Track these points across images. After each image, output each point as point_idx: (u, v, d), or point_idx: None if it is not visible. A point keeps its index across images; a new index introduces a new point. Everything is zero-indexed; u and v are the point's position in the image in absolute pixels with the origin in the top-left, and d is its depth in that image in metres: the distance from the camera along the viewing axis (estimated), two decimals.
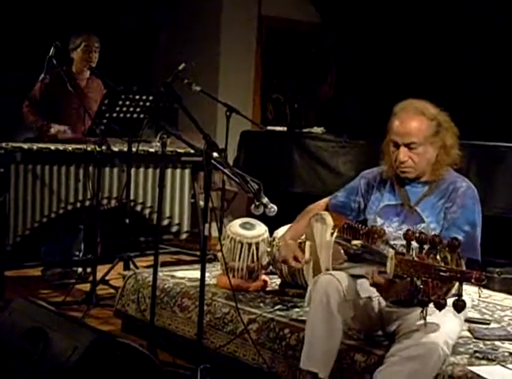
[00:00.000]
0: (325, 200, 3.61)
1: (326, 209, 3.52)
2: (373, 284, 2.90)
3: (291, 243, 3.53)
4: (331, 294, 3.06)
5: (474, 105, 6.69)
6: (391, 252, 2.65)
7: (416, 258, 2.55)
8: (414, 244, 2.60)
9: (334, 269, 3.20)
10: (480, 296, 3.77)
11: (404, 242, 2.67)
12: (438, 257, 2.52)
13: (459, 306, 2.48)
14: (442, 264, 2.48)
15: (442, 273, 2.47)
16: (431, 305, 2.56)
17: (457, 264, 2.48)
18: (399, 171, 3.25)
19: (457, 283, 2.50)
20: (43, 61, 4.98)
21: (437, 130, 3.20)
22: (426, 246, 2.55)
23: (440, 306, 2.50)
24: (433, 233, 3.12)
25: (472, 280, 2.43)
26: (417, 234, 2.59)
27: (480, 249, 3.17)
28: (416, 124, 3.18)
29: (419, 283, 2.58)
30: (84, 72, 5.64)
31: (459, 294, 2.47)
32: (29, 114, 5.55)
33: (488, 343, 3.35)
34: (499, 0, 6.68)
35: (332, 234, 3.26)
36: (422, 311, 2.64)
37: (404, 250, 2.65)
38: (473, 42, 6.89)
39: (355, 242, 3.08)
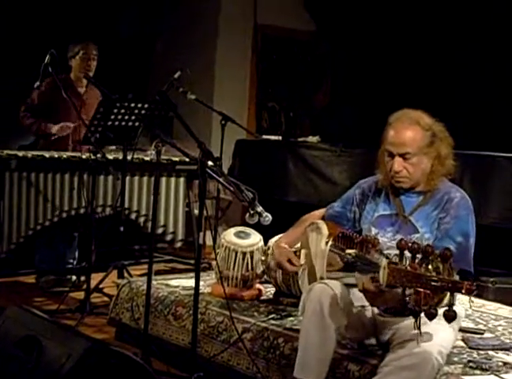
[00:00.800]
0: (321, 210, 3.62)
1: (322, 219, 3.53)
2: (362, 290, 2.91)
3: (285, 247, 3.53)
4: (324, 303, 3.06)
5: (469, 114, 6.71)
6: (384, 261, 2.66)
7: (408, 268, 2.55)
8: (407, 253, 2.60)
9: (329, 278, 3.20)
10: (471, 307, 3.78)
11: (398, 252, 2.68)
12: (430, 266, 2.52)
13: (449, 317, 2.48)
14: (434, 274, 2.49)
15: (433, 283, 2.47)
16: (423, 314, 2.56)
17: (449, 274, 2.49)
18: (394, 181, 3.26)
19: (448, 294, 2.50)
20: (39, 68, 4.98)
21: (432, 140, 3.21)
22: (418, 256, 2.55)
23: (431, 316, 2.51)
24: (426, 243, 3.13)
25: (463, 291, 2.44)
26: (410, 244, 2.59)
27: (472, 260, 3.17)
28: (411, 134, 3.18)
29: (408, 292, 2.59)
30: (83, 79, 5.65)
31: (450, 305, 2.47)
32: (26, 120, 5.56)
33: (482, 352, 3.35)
34: (496, 8, 6.70)
35: (327, 243, 3.26)
36: (415, 321, 2.64)
37: (398, 260, 2.65)
38: (470, 52, 6.91)
39: (349, 251, 3.09)
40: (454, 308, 2.64)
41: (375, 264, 2.86)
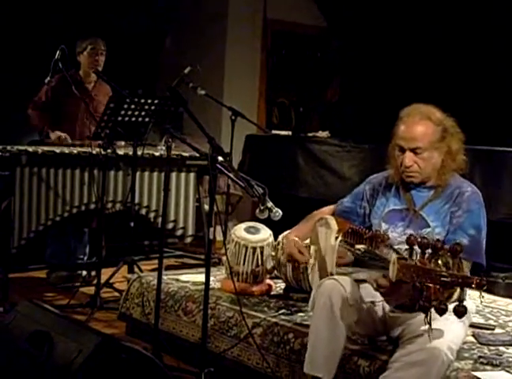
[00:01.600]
0: (331, 207, 3.62)
1: (332, 215, 3.52)
2: (377, 288, 2.90)
3: (295, 239, 3.53)
4: (334, 299, 3.06)
5: (479, 109, 6.69)
6: (393, 256, 2.65)
7: (417, 263, 2.55)
8: (416, 249, 2.60)
9: (338, 274, 3.20)
10: (481, 302, 3.77)
11: (407, 247, 2.68)
12: (439, 262, 2.51)
13: (460, 312, 2.47)
14: (444, 270, 2.48)
15: (443, 278, 2.46)
16: (433, 310, 2.56)
17: (458, 268, 2.48)
18: (404, 176, 3.26)
19: (458, 289, 2.50)
20: (49, 65, 5.00)
21: (443, 135, 3.20)
22: (428, 251, 2.55)
23: (441, 312, 2.50)
24: (438, 238, 3.13)
25: (473, 286, 2.43)
26: (419, 239, 2.58)
27: (484, 254, 3.17)
28: (422, 129, 3.18)
29: (419, 287, 2.58)
30: (91, 75, 5.67)
31: (460, 300, 2.46)
32: (33, 117, 5.59)
33: (493, 348, 3.35)
34: (503, 6, 6.68)
35: (336, 238, 3.26)
36: (426, 316, 2.63)
37: (408, 255, 2.65)
38: (479, 48, 6.88)
39: (358, 246, 3.08)
40: (465, 303, 2.64)
41: (385, 259, 2.85)
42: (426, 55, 7.23)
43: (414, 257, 2.61)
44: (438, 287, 2.48)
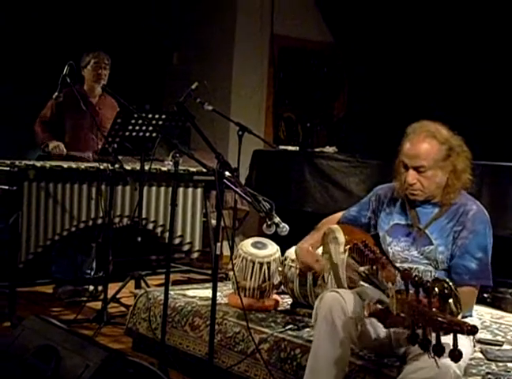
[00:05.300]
0: (340, 213, 3.62)
1: (338, 222, 3.52)
2: (370, 315, 2.88)
3: (310, 250, 3.52)
4: (334, 311, 3.05)
5: (487, 125, 6.69)
6: (392, 290, 2.63)
7: (413, 302, 2.52)
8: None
9: (350, 286, 3.20)
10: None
11: (410, 265, 2.66)
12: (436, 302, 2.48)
13: (455, 357, 2.41)
14: (437, 312, 2.44)
15: (435, 321, 2.42)
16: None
17: (451, 312, 2.45)
18: (408, 193, 3.24)
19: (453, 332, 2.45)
20: (57, 80, 5.01)
21: (448, 154, 3.17)
22: (420, 290, 2.51)
23: (439, 353, 2.44)
24: (440, 256, 3.13)
25: (465, 333, 2.38)
26: (413, 276, 2.54)
27: (491, 274, 3.15)
28: (426, 147, 3.15)
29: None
30: (95, 89, 5.69)
31: (455, 345, 2.41)
32: (39, 133, 5.60)
33: (501, 364, 3.34)
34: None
35: (345, 251, 3.25)
36: (429, 354, 2.54)
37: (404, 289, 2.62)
38: (488, 65, 6.89)
39: (361, 268, 3.08)
40: (471, 319, 2.61)
41: (384, 286, 2.84)
42: (433, 71, 7.24)
43: (411, 290, 2.58)
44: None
